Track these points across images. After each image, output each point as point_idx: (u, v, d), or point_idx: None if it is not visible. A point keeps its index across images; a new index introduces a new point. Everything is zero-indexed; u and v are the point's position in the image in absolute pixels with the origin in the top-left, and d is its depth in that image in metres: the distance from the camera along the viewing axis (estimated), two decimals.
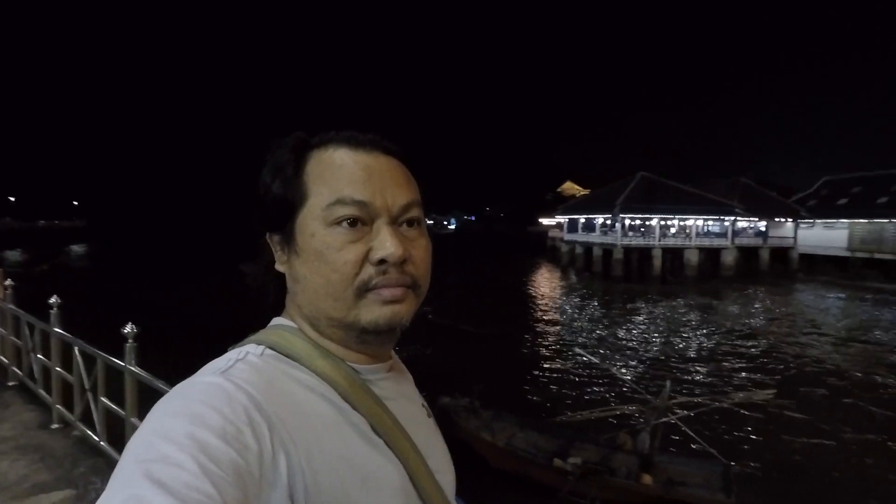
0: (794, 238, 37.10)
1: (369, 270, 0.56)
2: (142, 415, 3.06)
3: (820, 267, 35.03)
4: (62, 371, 4.17)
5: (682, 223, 35.50)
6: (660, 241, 33.99)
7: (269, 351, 0.57)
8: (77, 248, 58.19)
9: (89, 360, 3.72)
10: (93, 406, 3.74)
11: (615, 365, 13.20)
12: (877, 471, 7.87)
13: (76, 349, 3.87)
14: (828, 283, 31.42)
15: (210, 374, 0.50)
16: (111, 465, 3.38)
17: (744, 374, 13.05)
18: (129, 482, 0.38)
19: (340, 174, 0.57)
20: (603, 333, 17.73)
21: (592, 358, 11.37)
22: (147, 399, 3.04)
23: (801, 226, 37.23)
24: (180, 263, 40.92)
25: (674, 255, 33.79)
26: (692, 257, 33.97)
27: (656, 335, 17.41)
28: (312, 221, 0.57)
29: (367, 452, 0.55)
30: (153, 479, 0.38)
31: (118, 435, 3.33)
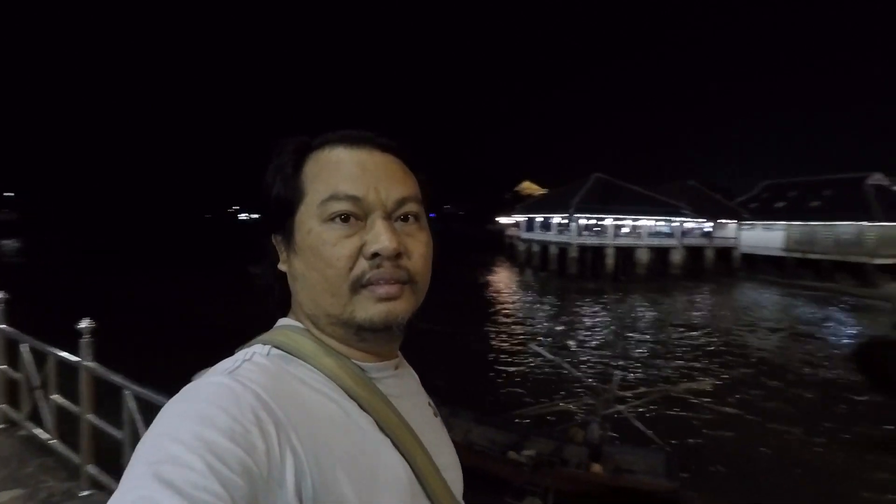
0: (737, 239, 39.23)
1: (363, 265, 0.56)
2: (98, 411, 3.04)
3: (760, 266, 37.11)
4: (8, 369, 4.03)
5: (634, 223, 36.80)
6: (613, 240, 35.17)
7: (275, 350, 0.57)
8: (9, 243, 54.61)
9: (39, 358, 3.62)
10: (42, 404, 3.64)
11: (569, 359, 13.64)
12: (802, 449, 8.52)
13: (25, 346, 3.75)
14: (766, 282, 33.42)
15: (218, 375, 0.51)
16: (62, 463, 3.33)
17: (688, 365, 13.79)
18: (139, 484, 0.39)
19: (336, 171, 0.58)
20: (557, 329, 18.26)
21: (547, 354, 11.74)
22: (104, 395, 3.02)
23: (743, 227, 39.35)
24: (125, 257, 39.16)
25: (626, 253, 35.00)
26: (643, 256, 35.31)
27: (608, 330, 18.07)
28: (309, 219, 0.58)
29: (374, 450, 0.55)
30: (162, 479, 0.39)
31: (71, 432, 3.27)
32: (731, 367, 13.81)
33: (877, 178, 36.14)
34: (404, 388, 0.66)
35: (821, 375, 13.08)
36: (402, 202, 0.60)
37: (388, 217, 0.59)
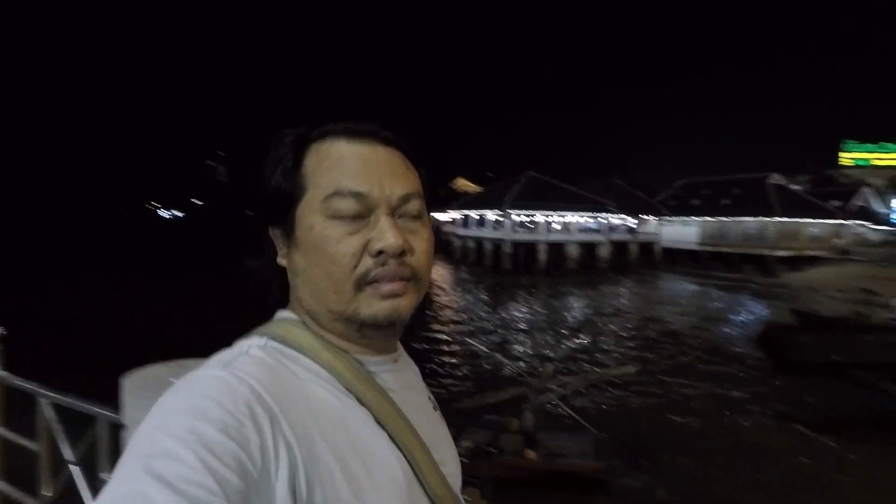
0: (658, 234, 41.88)
1: (368, 262, 0.55)
2: (9, 421, 2.82)
3: (678, 259, 39.85)
4: None
5: (564, 220, 38.28)
6: (545, 236, 36.43)
7: (273, 343, 0.57)
8: None
9: None
10: None
11: (504, 352, 14.05)
12: (716, 425, 9.30)
13: None
14: (684, 273, 35.93)
15: (214, 368, 0.50)
16: None
17: (615, 352, 14.63)
18: (130, 477, 0.39)
19: (338, 166, 0.57)
20: (493, 324, 18.72)
21: (483, 347, 12.05)
22: (13, 405, 2.81)
23: (663, 223, 42.04)
24: (43, 261, 35.76)
25: (557, 249, 36.41)
26: (573, 251, 36.87)
27: (541, 323, 18.76)
28: (311, 214, 0.57)
29: (371, 444, 0.54)
30: (154, 473, 0.38)
31: None
32: (653, 350, 14.82)
33: (776, 178, 39.87)
34: (403, 381, 0.65)
35: (731, 356, 14.30)
36: (406, 198, 0.59)
37: (393, 213, 0.58)
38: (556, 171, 43.75)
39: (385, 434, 0.56)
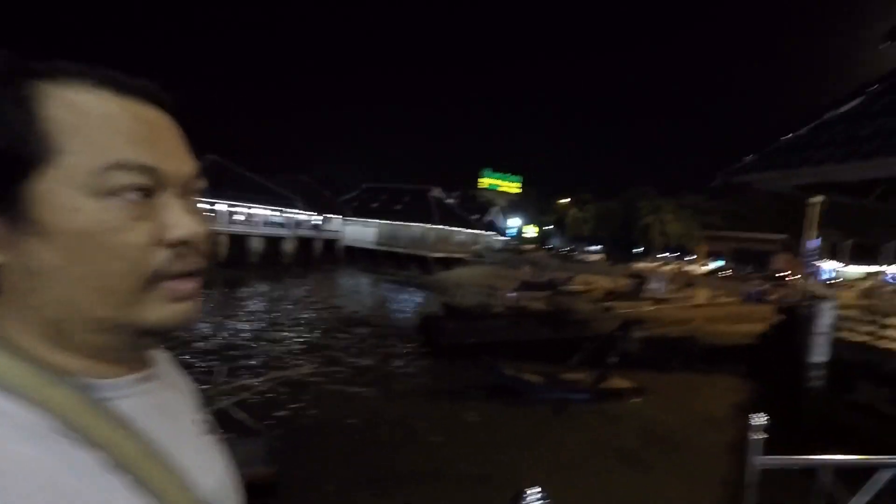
0: (341, 232, 44.52)
1: (161, 255, 0.44)
2: None
3: (358, 257, 43.27)
4: None
5: (249, 211, 36.56)
6: (226, 227, 34.01)
7: None
8: None
9: None
10: None
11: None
12: (381, 407, 10.36)
13: None
14: (362, 271, 39.16)
15: None
16: None
17: (295, 349, 14.68)
18: None
19: (112, 127, 0.42)
20: None
21: None
22: None
23: (347, 222, 44.94)
24: None
25: (239, 241, 34.50)
26: (257, 245, 35.61)
27: (215, 322, 17.31)
28: (71, 190, 0.41)
29: (99, 499, 0.40)
30: None
31: None
32: (330, 341, 15.53)
33: (436, 192, 47.91)
34: (155, 402, 0.49)
35: (396, 342, 16.22)
36: (193, 176, 0.47)
37: (184, 194, 0.46)
38: (242, 160, 41.21)
39: (123, 479, 0.42)
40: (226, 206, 34.02)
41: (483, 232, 53.40)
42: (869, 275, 30.15)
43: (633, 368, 12.30)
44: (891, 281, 25.99)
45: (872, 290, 20.37)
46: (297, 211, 39.37)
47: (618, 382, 11.46)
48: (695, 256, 61.25)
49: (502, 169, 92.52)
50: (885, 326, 8.91)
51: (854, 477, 2.79)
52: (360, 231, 44.97)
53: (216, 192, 33.00)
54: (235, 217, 35.84)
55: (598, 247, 66.29)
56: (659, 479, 7.64)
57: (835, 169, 3.34)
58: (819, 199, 9.25)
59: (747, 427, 2.58)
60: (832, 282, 25.95)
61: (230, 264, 32.44)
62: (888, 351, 8.27)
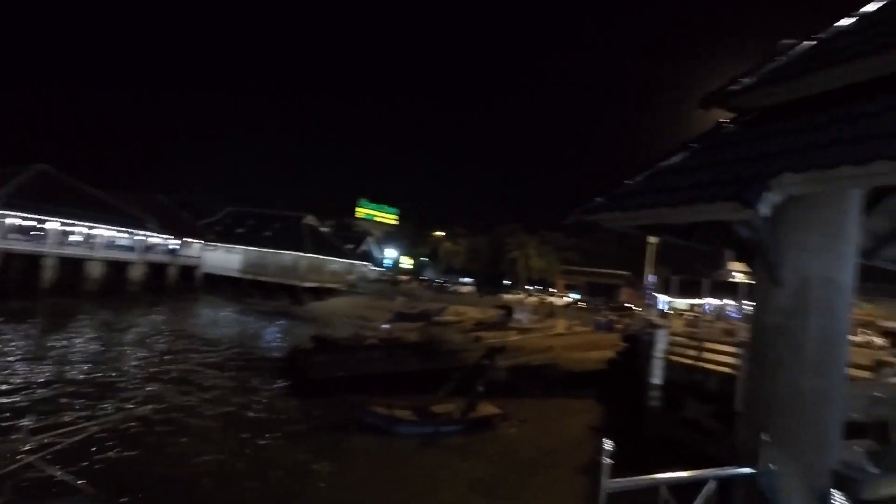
0: (201, 258, 40.78)
1: None
2: None
3: (220, 285, 39.77)
4: None
5: (88, 231, 31.96)
6: (58, 248, 29.30)
7: None
8: None
9: None
10: None
11: None
12: (240, 451, 9.38)
13: None
14: (225, 300, 36.00)
15: None
16: None
17: (133, 390, 12.78)
18: None
19: None
20: None
21: None
22: None
23: (207, 248, 41.33)
24: None
25: (74, 266, 29.90)
26: (96, 270, 31.19)
27: (32, 362, 14.55)
28: None
29: None
30: None
31: None
32: (178, 380, 13.82)
33: (309, 219, 46.36)
34: None
35: (255, 378, 14.89)
36: None
37: None
38: (85, 174, 36.33)
39: None
40: (58, 223, 29.40)
41: (358, 262, 52.65)
42: (693, 306, 35.11)
43: (500, 395, 12.72)
44: (708, 311, 30.61)
45: (695, 319, 23.82)
46: (148, 233, 35.34)
47: (486, 409, 11.76)
48: (555, 289, 66.61)
49: (379, 200, 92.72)
50: (704, 350, 10.35)
51: (688, 491, 3.10)
52: (224, 257, 41.59)
53: (46, 207, 28.41)
54: (72, 238, 31.11)
55: (470, 279, 69.02)
56: None
57: (666, 212, 3.82)
58: (655, 239, 10.62)
59: (599, 450, 2.74)
60: (666, 312, 29.77)
61: (59, 292, 27.84)
62: (708, 371, 9.59)
